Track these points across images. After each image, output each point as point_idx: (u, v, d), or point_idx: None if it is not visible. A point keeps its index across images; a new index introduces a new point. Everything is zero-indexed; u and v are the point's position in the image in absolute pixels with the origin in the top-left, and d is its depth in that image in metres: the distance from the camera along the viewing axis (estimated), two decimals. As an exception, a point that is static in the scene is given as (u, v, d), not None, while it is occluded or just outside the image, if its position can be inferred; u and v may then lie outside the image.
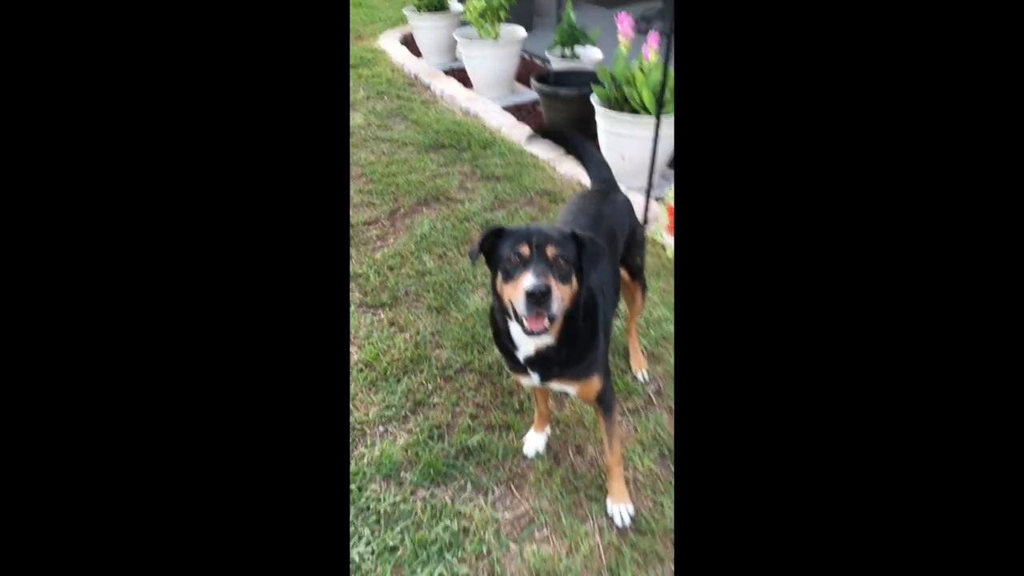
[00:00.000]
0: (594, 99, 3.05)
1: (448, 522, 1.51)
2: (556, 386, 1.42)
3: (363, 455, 1.69)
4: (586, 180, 2.04)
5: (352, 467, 1.65)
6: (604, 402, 1.45)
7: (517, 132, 3.65)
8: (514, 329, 1.29)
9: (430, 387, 1.92)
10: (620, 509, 1.52)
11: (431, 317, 2.22)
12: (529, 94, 4.23)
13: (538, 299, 1.12)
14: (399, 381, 1.93)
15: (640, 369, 1.95)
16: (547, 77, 3.63)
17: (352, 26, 6.02)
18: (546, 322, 1.17)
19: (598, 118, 3.02)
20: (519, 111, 4.03)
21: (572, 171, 3.18)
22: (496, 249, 1.25)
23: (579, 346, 1.33)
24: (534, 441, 1.72)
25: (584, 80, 3.51)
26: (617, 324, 2.17)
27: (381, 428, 1.79)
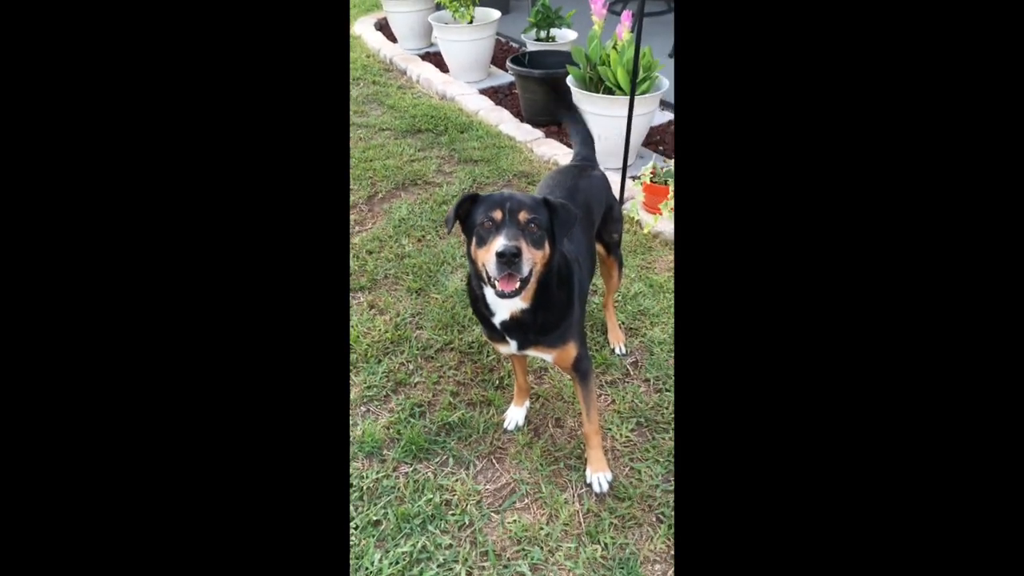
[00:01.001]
0: (569, 80, 3.05)
1: (431, 495, 1.54)
2: (533, 353, 1.46)
3: (345, 435, 1.71)
4: (564, 161, 2.05)
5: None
6: (580, 370, 1.48)
7: (494, 115, 3.65)
8: (489, 294, 1.32)
9: (411, 367, 1.94)
10: (598, 477, 1.56)
11: (411, 299, 2.24)
12: (506, 77, 4.21)
13: (508, 260, 1.15)
14: (380, 362, 1.95)
15: (618, 343, 1.99)
16: (522, 59, 3.62)
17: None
18: (517, 283, 1.20)
19: (573, 99, 3.02)
20: (496, 94, 4.02)
21: (549, 152, 3.19)
22: (471, 215, 1.28)
23: (554, 312, 1.37)
24: (514, 415, 1.75)
25: (559, 61, 3.51)
26: (595, 300, 2.20)
27: (363, 408, 1.80)
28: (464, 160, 3.20)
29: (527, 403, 1.78)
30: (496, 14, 4.21)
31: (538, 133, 3.44)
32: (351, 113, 3.74)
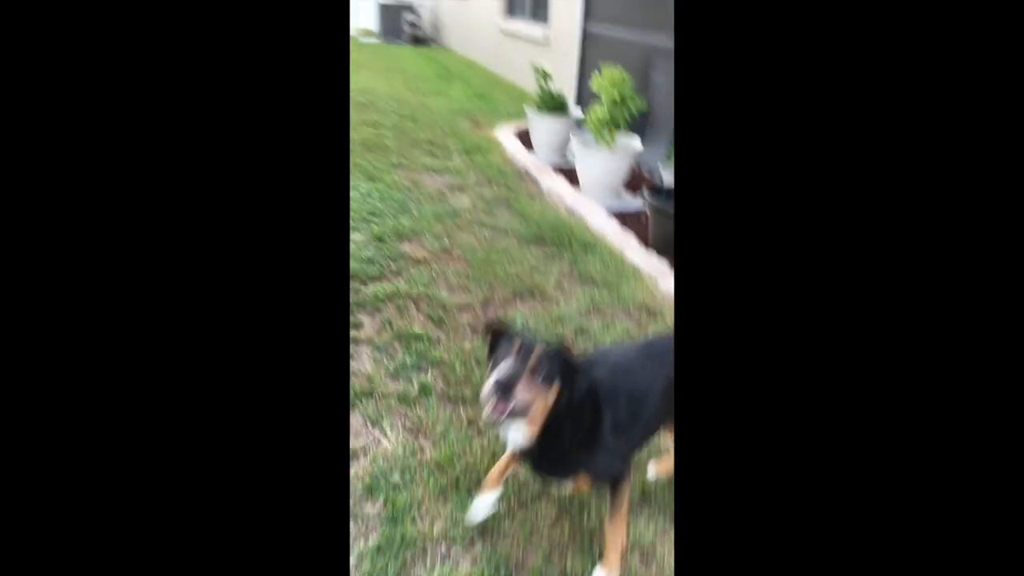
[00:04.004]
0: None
1: None
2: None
3: (419, 578, 1.50)
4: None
5: (405, 590, 1.46)
6: (606, 481, 1.52)
7: (620, 240, 3.59)
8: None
9: (502, 509, 1.73)
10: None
11: (512, 424, 2.06)
12: (635, 202, 4.20)
13: (502, 387, 1.24)
14: (471, 494, 1.76)
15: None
16: (660, 191, 3.59)
17: (473, 115, 6.41)
18: (507, 410, 1.26)
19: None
20: (624, 219, 3.99)
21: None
22: (497, 342, 1.40)
23: (563, 449, 1.41)
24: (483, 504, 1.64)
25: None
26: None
27: (442, 549, 1.60)
28: (584, 279, 3.12)
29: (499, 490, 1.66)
30: (638, 144, 4.28)
31: (665, 267, 3.31)
32: (480, 212, 3.84)
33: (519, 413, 1.29)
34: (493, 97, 7.38)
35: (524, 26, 7.97)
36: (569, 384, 1.34)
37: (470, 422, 2.06)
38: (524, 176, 4.70)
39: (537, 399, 1.30)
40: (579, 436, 1.40)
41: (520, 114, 6.12)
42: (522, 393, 1.26)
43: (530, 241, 3.51)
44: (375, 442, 1.94)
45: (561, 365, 1.33)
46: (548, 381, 1.31)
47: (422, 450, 1.92)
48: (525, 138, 5.42)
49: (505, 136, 5.59)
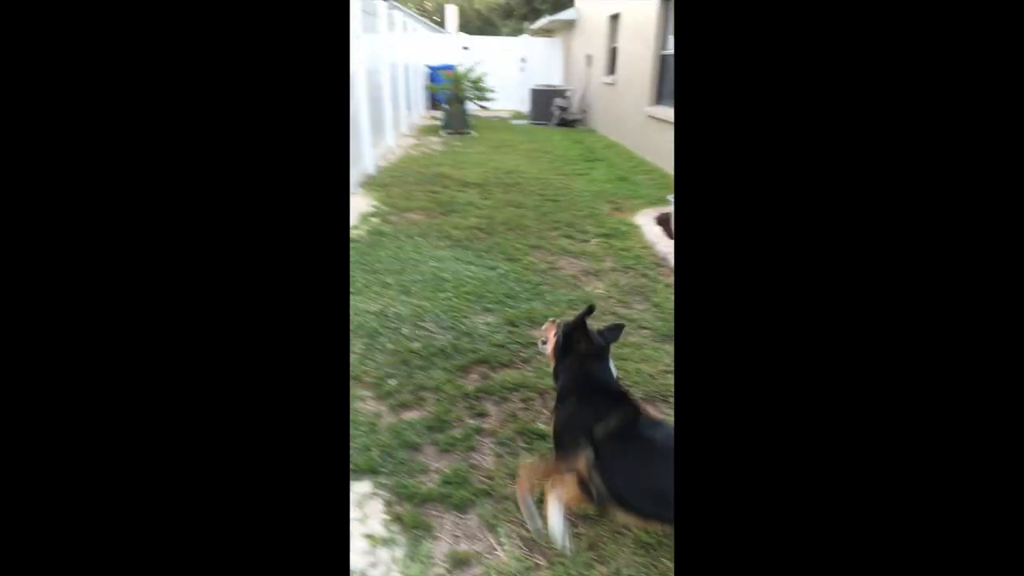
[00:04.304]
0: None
1: None
2: None
3: None
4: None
5: None
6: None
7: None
8: None
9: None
10: None
11: (635, 553, 1.88)
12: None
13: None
14: (583, 634, 1.59)
15: None
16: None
17: (614, 198, 6.47)
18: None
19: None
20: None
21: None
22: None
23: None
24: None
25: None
26: None
27: None
28: (725, 388, 2.85)
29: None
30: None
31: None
32: (613, 301, 3.77)
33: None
34: (635, 180, 7.41)
35: (670, 111, 8.03)
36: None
37: (591, 546, 1.91)
38: (663, 265, 4.56)
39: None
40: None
41: (662, 199, 6.05)
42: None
43: (665, 337, 3.33)
44: (490, 549, 1.87)
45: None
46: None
47: (536, 567, 1.81)
48: (666, 224, 5.31)
49: (645, 221, 5.53)
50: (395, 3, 9.44)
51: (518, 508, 2.01)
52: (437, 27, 19.73)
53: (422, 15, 20.17)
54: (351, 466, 2.18)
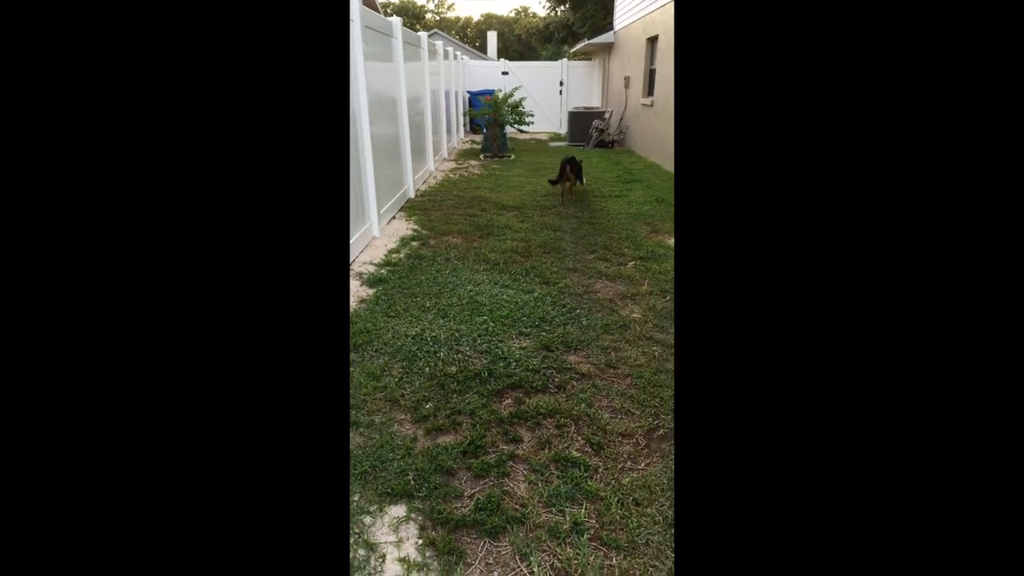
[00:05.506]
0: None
1: None
2: None
3: None
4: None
5: None
6: None
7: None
8: None
9: None
10: None
11: (669, 589, 1.84)
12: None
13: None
14: (615, 670, 1.57)
15: None
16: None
17: (651, 220, 6.43)
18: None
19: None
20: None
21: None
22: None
23: None
24: None
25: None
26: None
27: None
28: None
29: None
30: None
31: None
32: (649, 326, 3.73)
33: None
34: (671, 200, 7.35)
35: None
36: None
37: (622, 573, 1.89)
38: (701, 288, 4.50)
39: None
40: None
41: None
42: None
43: (703, 364, 3.28)
44: (521, 578, 1.88)
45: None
46: None
47: (568, 599, 1.80)
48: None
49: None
50: (438, 31, 9.72)
51: (551, 536, 2.01)
52: (479, 53, 20.19)
53: (464, 41, 20.66)
54: (388, 490, 2.23)
